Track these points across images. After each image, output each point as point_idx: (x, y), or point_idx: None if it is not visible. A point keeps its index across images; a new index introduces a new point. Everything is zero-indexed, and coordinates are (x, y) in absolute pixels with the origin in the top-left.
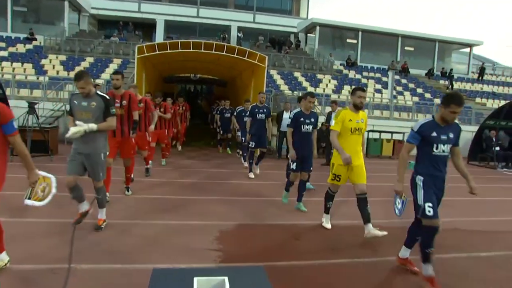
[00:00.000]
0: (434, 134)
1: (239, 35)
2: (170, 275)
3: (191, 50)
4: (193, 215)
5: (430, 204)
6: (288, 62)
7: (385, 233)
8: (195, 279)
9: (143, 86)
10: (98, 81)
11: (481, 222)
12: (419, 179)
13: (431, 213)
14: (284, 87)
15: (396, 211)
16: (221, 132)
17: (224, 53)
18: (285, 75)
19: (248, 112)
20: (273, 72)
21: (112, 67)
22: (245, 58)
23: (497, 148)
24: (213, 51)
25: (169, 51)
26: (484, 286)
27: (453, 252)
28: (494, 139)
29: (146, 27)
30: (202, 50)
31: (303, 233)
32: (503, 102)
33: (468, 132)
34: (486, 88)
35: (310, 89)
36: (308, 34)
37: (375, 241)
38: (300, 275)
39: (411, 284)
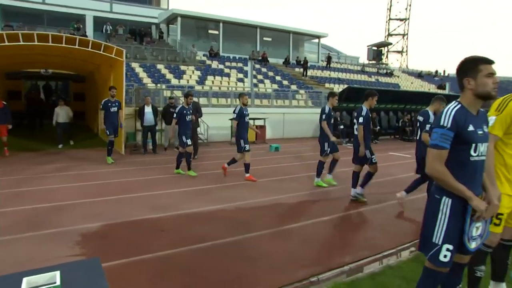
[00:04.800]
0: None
1: (109, 28)
2: None
3: (36, 43)
4: (47, 224)
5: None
6: (150, 54)
7: None
8: (24, 279)
9: None
10: None
11: (323, 192)
12: None
13: None
14: (147, 80)
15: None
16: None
17: (76, 47)
18: (148, 68)
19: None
20: (134, 65)
21: None
22: (101, 52)
23: (342, 127)
24: (64, 44)
25: (7, 43)
26: (325, 242)
27: (304, 220)
28: (339, 119)
29: None
30: (50, 43)
31: (168, 225)
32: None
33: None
34: (333, 74)
35: (174, 81)
36: (170, 25)
37: (241, 221)
38: (162, 264)
39: (270, 257)
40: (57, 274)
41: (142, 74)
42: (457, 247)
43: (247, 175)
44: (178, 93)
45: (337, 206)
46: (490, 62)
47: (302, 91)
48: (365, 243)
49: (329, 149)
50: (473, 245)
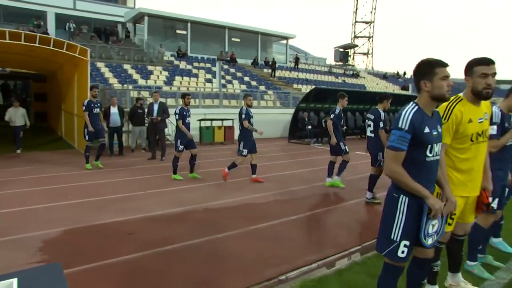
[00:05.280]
0: None
1: (72, 26)
2: None
3: None
4: (7, 230)
5: None
6: (116, 54)
7: None
8: None
9: None
10: None
11: (291, 192)
12: None
13: None
14: (113, 80)
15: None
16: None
17: (37, 45)
18: (114, 68)
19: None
20: (100, 64)
21: None
22: (64, 51)
23: (309, 127)
24: (23, 42)
25: None
26: (293, 241)
27: (272, 219)
28: (306, 119)
29: None
30: (7, 40)
31: (136, 227)
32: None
33: (288, 114)
34: (301, 75)
35: (141, 81)
36: (137, 24)
37: (210, 222)
38: (129, 268)
39: (239, 257)
40: (14, 281)
41: (108, 74)
42: (414, 242)
43: (254, 176)
44: (145, 93)
45: (304, 205)
46: (445, 65)
47: (270, 92)
48: (332, 241)
49: (346, 147)
50: (429, 241)
